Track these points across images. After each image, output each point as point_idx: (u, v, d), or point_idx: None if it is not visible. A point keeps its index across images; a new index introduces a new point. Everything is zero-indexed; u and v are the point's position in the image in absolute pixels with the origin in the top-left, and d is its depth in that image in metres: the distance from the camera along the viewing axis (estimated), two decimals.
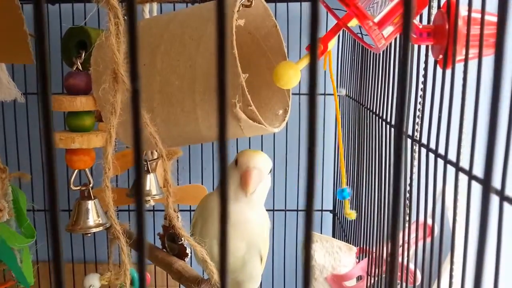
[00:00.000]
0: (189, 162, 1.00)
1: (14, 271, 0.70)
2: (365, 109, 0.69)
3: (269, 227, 0.67)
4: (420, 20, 0.46)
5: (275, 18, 0.63)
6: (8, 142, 0.96)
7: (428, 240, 0.55)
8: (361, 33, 0.50)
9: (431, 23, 0.44)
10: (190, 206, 0.96)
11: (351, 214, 0.73)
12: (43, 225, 0.93)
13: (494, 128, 0.16)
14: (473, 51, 0.38)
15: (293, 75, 0.49)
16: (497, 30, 0.17)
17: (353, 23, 0.49)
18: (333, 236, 1.00)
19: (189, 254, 0.65)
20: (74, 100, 0.57)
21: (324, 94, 0.95)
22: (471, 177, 0.35)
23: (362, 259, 0.70)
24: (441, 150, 0.41)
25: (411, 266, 0.52)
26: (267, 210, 0.67)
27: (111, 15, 0.49)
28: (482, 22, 0.36)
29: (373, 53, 0.64)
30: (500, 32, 0.17)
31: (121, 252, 0.54)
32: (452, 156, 0.39)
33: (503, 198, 0.30)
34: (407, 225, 0.50)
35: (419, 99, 0.47)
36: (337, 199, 0.98)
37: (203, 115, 0.54)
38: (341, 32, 0.55)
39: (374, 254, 0.63)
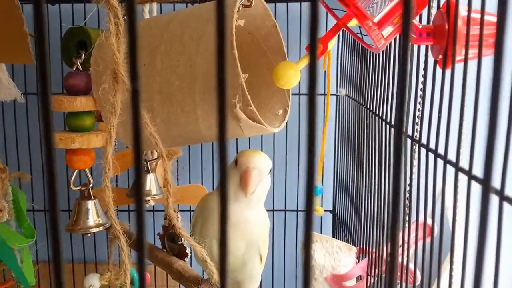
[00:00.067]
0: (189, 162, 1.00)
1: (14, 271, 0.70)
2: (365, 109, 0.69)
3: (269, 227, 0.67)
4: (420, 20, 0.46)
5: (275, 18, 0.63)
6: (8, 142, 0.96)
7: (428, 240, 0.55)
8: (360, 33, 0.50)
9: (431, 23, 0.44)
10: (190, 206, 0.96)
11: (319, 211, 0.82)
12: (43, 225, 0.93)
13: (494, 128, 0.16)
14: (473, 51, 0.38)
15: (293, 75, 0.49)
16: (497, 30, 0.17)
17: (353, 23, 0.49)
18: (333, 236, 1.00)
19: (189, 254, 0.65)
20: (74, 100, 0.57)
21: (324, 94, 0.95)
22: (471, 177, 0.35)
23: (362, 259, 0.70)
24: (441, 150, 0.41)
25: (411, 266, 0.52)
26: (267, 210, 0.67)
27: (111, 15, 0.49)
28: (481, 22, 0.36)
29: (373, 53, 0.64)
30: (500, 32, 0.17)
31: (121, 252, 0.54)
32: (451, 156, 0.39)
33: (502, 198, 0.30)
34: (407, 225, 0.50)
35: (419, 99, 0.47)
36: (337, 199, 0.98)
37: (203, 115, 0.54)
38: (341, 32, 0.55)
39: (374, 254, 0.63)
